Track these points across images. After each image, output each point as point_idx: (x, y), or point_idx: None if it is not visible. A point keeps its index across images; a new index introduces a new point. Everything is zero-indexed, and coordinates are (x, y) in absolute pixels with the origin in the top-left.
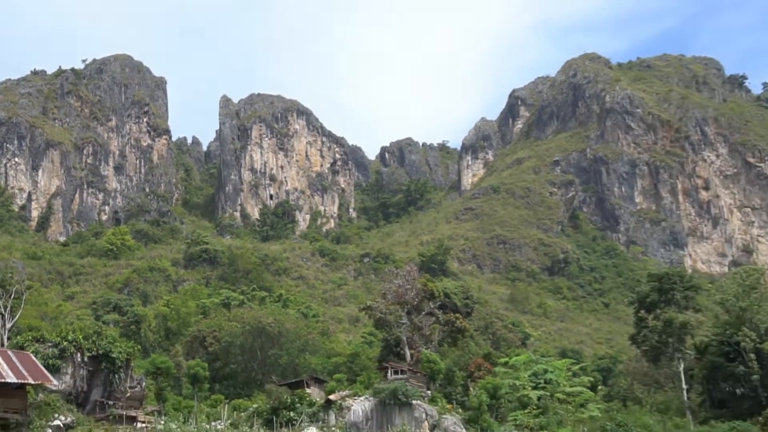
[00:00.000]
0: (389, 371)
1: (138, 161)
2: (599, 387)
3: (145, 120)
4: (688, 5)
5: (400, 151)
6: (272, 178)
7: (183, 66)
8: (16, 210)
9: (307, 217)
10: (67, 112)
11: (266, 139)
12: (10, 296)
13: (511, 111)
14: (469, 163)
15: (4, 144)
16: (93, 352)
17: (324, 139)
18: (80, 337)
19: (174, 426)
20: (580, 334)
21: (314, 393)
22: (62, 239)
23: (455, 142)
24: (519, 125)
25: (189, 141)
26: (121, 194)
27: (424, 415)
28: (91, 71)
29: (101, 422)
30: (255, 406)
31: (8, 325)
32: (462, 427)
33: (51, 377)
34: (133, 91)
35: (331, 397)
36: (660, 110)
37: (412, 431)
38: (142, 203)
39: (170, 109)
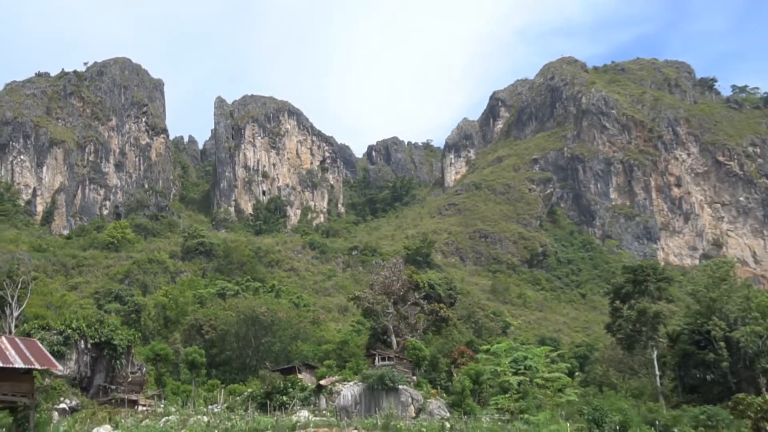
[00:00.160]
0: (377, 358)
1: (137, 159)
2: (576, 373)
3: (143, 120)
4: (661, 12)
5: (386, 150)
6: (265, 175)
7: (180, 68)
8: (22, 205)
9: (298, 212)
10: (69, 112)
11: (259, 138)
12: (17, 286)
13: (492, 112)
14: (452, 161)
15: (10, 142)
16: (96, 340)
17: (314, 138)
18: (84, 325)
19: (173, 409)
20: (558, 323)
21: (306, 378)
22: (66, 233)
23: (439, 141)
24: (499, 125)
25: (185, 140)
26: (121, 190)
27: (410, 400)
28: (93, 73)
29: (104, 405)
30: (249, 390)
31: (15, 314)
32: (446, 410)
33: (56, 363)
34: (132, 92)
35: (322, 382)
36: (634, 111)
37: (399, 415)
38: (142, 199)
39: (167, 109)
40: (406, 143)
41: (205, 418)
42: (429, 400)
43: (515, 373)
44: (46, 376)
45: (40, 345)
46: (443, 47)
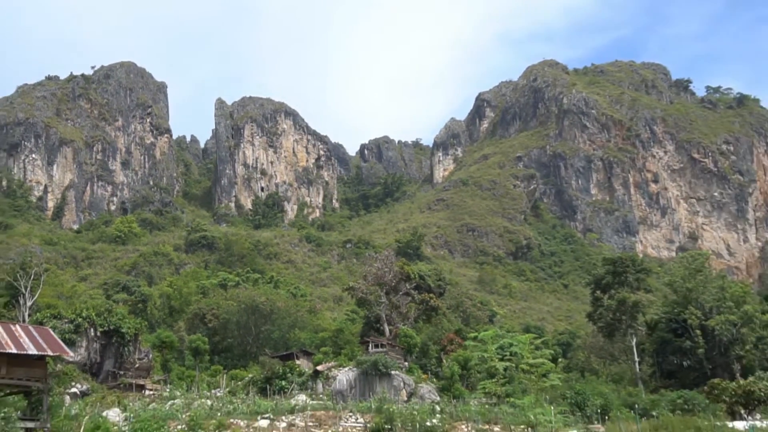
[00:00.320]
0: (370, 345)
1: (142, 157)
2: (559, 359)
3: (148, 120)
4: (638, 17)
5: (378, 148)
6: (263, 173)
7: (182, 72)
8: (34, 201)
9: (295, 207)
10: (78, 113)
11: (257, 137)
12: (30, 278)
13: (478, 112)
14: (441, 158)
15: (23, 142)
16: (105, 328)
17: (309, 137)
18: (93, 314)
19: (178, 393)
20: (542, 312)
21: (303, 364)
22: (75, 227)
23: (428, 140)
24: (485, 125)
25: (188, 139)
26: (127, 187)
27: (402, 384)
28: (100, 77)
29: (113, 390)
30: (250, 375)
31: (29, 304)
32: (436, 394)
33: (68, 350)
34: (137, 94)
35: (319, 367)
36: (612, 111)
37: (392, 398)
38: (147, 195)
39: (171, 110)
40: (396, 142)
41: (209, 402)
42: (420, 385)
43: (501, 359)
44: (59, 363)
45: (53, 333)
46: (430, 51)
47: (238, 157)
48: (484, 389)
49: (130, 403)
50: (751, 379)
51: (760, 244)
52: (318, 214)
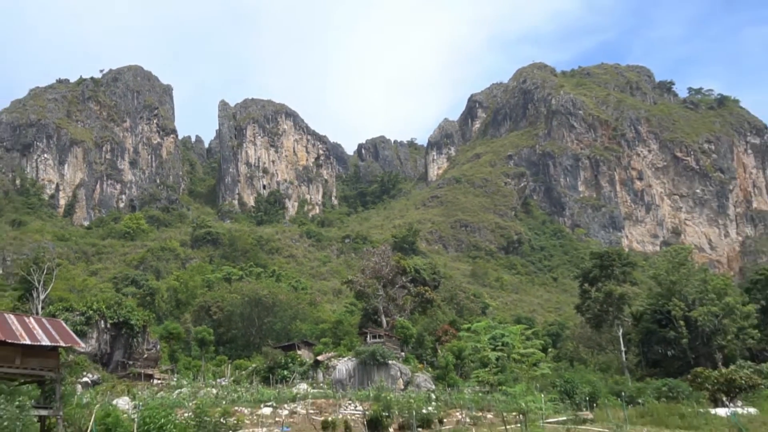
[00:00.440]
0: (368, 336)
1: (149, 157)
2: (549, 349)
3: (154, 121)
4: (623, 21)
5: (374, 148)
6: (265, 171)
7: (187, 75)
8: (46, 199)
9: (296, 204)
10: (88, 115)
11: (259, 137)
12: (43, 272)
13: (470, 113)
14: (435, 157)
15: (35, 142)
16: (114, 320)
17: (309, 137)
18: (103, 306)
19: (185, 382)
20: (532, 304)
21: (304, 354)
22: (86, 223)
23: (422, 140)
24: (477, 125)
25: (193, 139)
26: (135, 185)
27: (399, 373)
28: (108, 80)
29: (123, 379)
30: (254, 365)
31: (42, 297)
32: (432, 383)
33: (79, 341)
34: (144, 96)
35: (319, 357)
36: (599, 111)
37: (389, 387)
38: (154, 193)
39: (176, 112)
40: (392, 141)
41: (214, 390)
42: (416, 374)
43: (494, 349)
44: (70, 353)
45: (65, 325)
46: (425, 54)
47: (241, 157)
48: (478, 378)
49: (139, 392)
50: (732, 367)
51: (740, 238)
52: (318, 211)
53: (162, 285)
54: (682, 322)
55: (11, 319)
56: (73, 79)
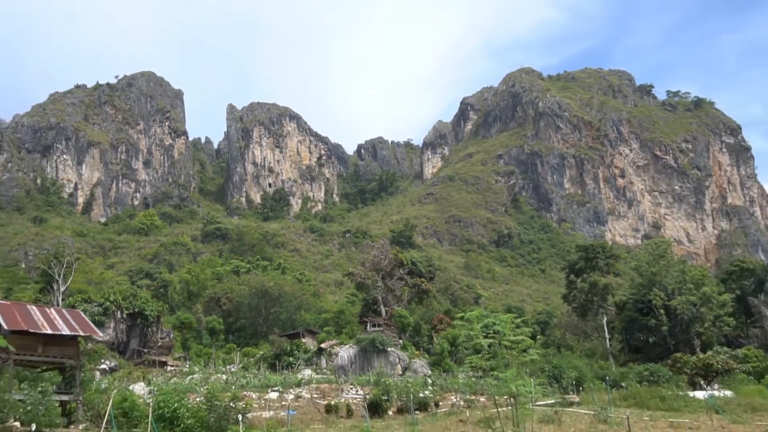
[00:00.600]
0: (368, 324)
1: (162, 157)
2: (538, 336)
3: (166, 124)
4: (605, 29)
5: (373, 148)
6: (270, 170)
7: (196, 80)
8: (66, 197)
9: (299, 201)
10: (104, 118)
11: (265, 138)
12: (62, 266)
13: (462, 115)
14: (429, 157)
15: (54, 144)
16: (130, 310)
17: (311, 138)
18: (120, 298)
19: (197, 369)
20: (522, 294)
21: (308, 342)
22: (103, 220)
23: (418, 140)
24: (469, 126)
25: (203, 141)
26: (149, 184)
27: (397, 360)
28: (123, 85)
29: (138, 366)
30: (261, 352)
31: (62, 289)
32: (428, 368)
33: (97, 330)
34: (156, 100)
35: (322, 345)
36: (583, 113)
37: (388, 372)
38: (166, 191)
39: (187, 115)
40: (390, 142)
41: (224, 376)
42: (413, 360)
43: (486, 337)
44: (89, 342)
45: (84, 315)
46: (420, 60)
47: (248, 157)
48: (471, 364)
49: (154, 378)
50: (709, 353)
51: (716, 232)
52: (320, 208)
53: (174, 277)
54: (662, 311)
55: (33, 310)
56: (90, 85)
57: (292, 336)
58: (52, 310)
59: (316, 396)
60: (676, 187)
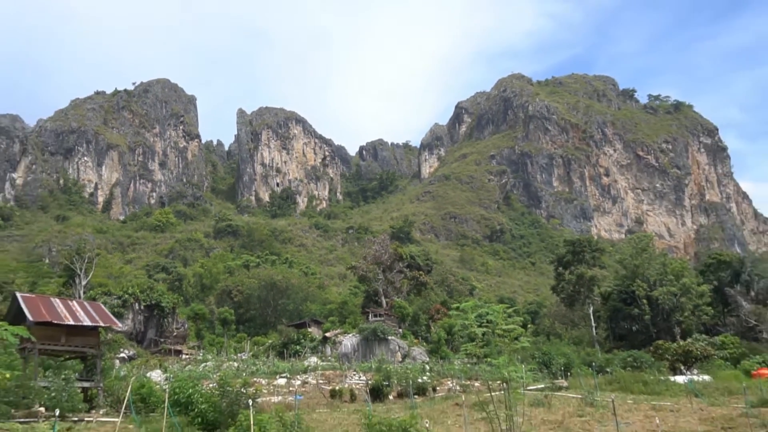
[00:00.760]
0: (370, 315)
1: (177, 159)
2: (528, 325)
3: (181, 128)
4: (589, 37)
5: (374, 149)
6: (278, 170)
7: (209, 86)
8: (86, 197)
9: (305, 199)
10: (122, 122)
11: (272, 141)
12: (84, 261)
13: (457, 118)
14: (427, 157)
15: (76, 147)
16: (147, 302)
17: (316, 140)
18: (138, 291)
19: (210, 357)
20: (514, 286)
21: (314, 331)
22: (122, 218)
23: (416, 142)
24: (463, 128)
25: (215, 143)
26: (164, 184)
27: (397, 348)
28: (140, 91)
29: (155, 355)
30: (270, 341)
31: (83, 283)
32: (426, 356)
33: (117, 321)
34: (171, 106)
35: (327, 334)
36: (570, 116)
37: (389, 359)
38: (181, 190)
39: (200, 119)
40: (389, 143)
41: (236, 364)
42: (412, 348)
43: (480, 326)
44: (109, 332)
45: (104, 307)
46: (418, 66)
47: (257, 158)
48: (466, 351)
49: (170, 366)
50: (689, 340)
51: (695, 227)
52: (325, 205)
53: (188, 271)
54: (644, 301)
55: (57, 303)
56: (109, 91)
57: (298, 326)
58: (74, 302)
59: (321, 382)
60: (658, 185)
